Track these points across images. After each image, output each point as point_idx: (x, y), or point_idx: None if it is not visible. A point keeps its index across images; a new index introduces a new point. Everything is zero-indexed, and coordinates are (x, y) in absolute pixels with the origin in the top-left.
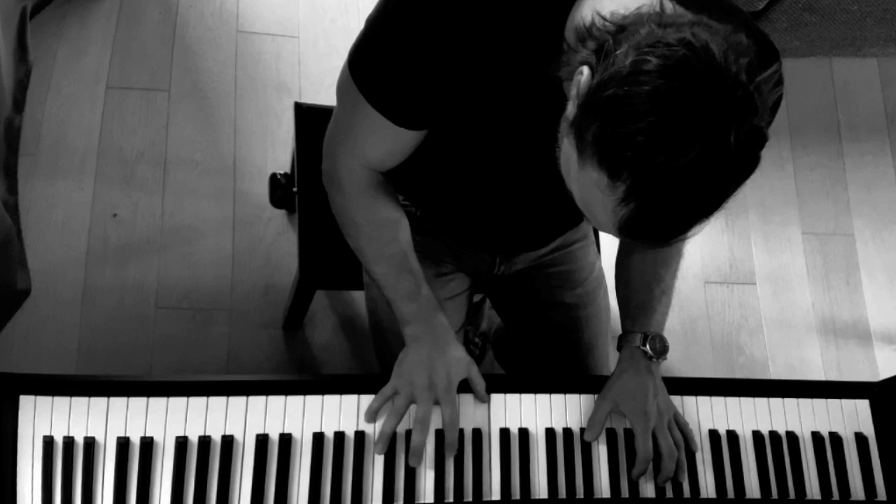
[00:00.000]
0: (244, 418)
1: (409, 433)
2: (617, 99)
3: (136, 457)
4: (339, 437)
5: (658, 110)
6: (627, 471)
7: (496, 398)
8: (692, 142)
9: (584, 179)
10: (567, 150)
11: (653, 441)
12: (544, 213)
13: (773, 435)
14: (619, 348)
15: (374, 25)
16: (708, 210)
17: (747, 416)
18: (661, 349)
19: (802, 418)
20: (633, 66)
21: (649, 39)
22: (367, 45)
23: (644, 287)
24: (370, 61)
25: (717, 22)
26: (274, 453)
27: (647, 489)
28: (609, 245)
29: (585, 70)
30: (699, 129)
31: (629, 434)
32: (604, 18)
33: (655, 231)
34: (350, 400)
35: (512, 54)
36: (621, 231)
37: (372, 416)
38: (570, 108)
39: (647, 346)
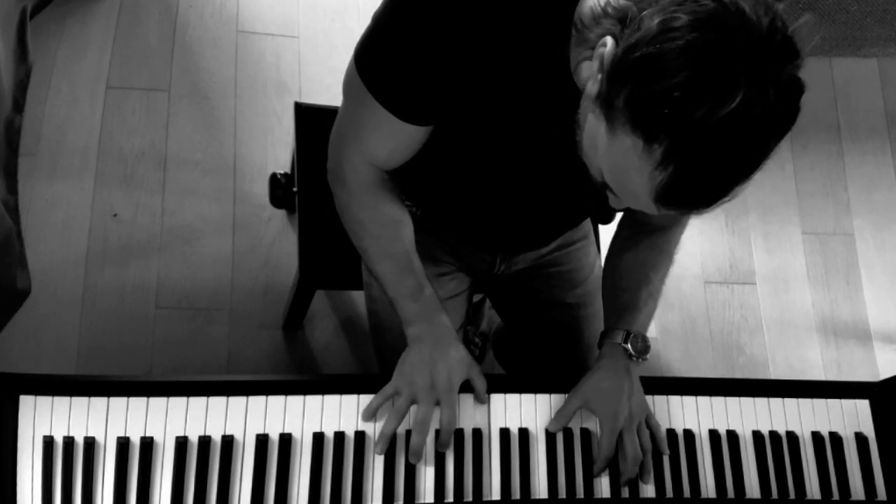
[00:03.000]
0: (244, 418)
1: (409, 433)
2: (648, 58)
3: (136, 457)
4: (339, 437)
5: (693, 63)
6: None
7: (496, 398)
8: (731, 92)
9: (615, 150)
10: (592, 127)
11: (620, 442)
12: (545, 212)
13: (773, 435)
14: (600, 345)
15: (381, 21)
16: (749, 167)
17: (747, 416)
18: (643, 349)
19: (802, 418)
20: (662, 24)
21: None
22: (374, 40)
23: (632, 287)
24: (376, 56)
25: None
26: (274, 453)
27: (648, 489)
28: (609, 245)
29: (609, 40)
30: (738, 79)
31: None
32: None
33: (695, 194)
34: (350, 400)
35: (520, 47)
36: (658, 199)
37: (370, 414)
38: (592, 85)
39: (629, 344)
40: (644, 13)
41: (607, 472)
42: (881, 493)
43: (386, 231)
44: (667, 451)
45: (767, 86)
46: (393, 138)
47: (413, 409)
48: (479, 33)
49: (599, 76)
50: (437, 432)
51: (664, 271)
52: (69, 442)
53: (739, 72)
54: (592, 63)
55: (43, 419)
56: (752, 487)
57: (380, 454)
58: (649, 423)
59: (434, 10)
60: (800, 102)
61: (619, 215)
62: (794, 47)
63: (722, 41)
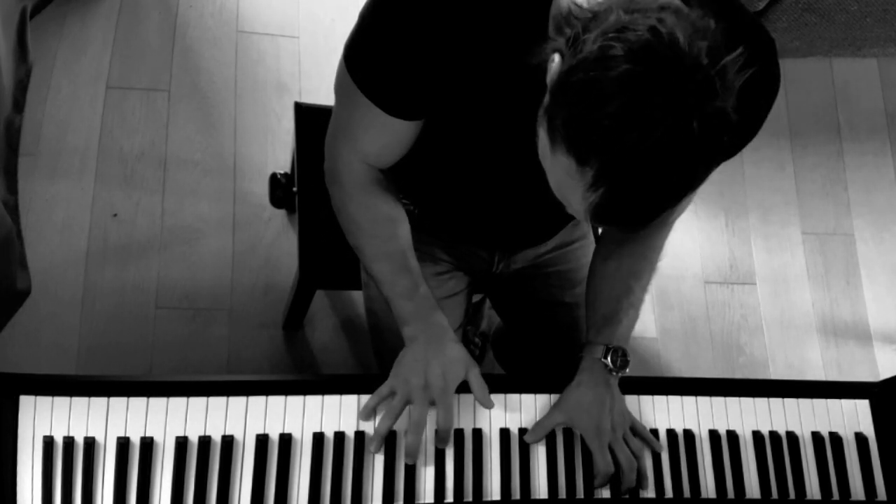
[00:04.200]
0: (244, 418)
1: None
2: (584, 84)
3: (136, 457)
4: (339, 437)
5: (623, 94)
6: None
7: (496, 398)
8: (656, 124)
9: (556, 166)
10: (542, 139)
11: (612, 454)
12: (541, 207)
13: (773, 435)
14: (580, 358)
15: (367, 18)
16: (676, 194)
17: (747, 416)
18: (622, 364)
19: (802, 418)
20: (600, 51)
21: (616, 25)
22: (360, 37)
23: (613, 298)
24: (363, 53)
25: (689, 7)
26: (274, 453)
27: (648, 489)
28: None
29: (556, 57)
30: (662, 112)
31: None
32: (579, 6)
33: (625, 215)
34: (350, 400)
35: (501, 43)
36: (593, 217)
37: (367, 414)
38: (546, 98)
39: (608, 359)
40: (586, 36)
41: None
42: (881, 493)
43: (382, 230)
44: (660, 450)
45: (691, 119)
46: (384, 135)
47: (410, 408)
48: (463, 27)
49: (548, 91)
50: (437, 432)
51: (646, 279)
52: (69, 442)
53: (665, 105)
54: (547, 76)
55: (43, 419)
56: (752, 487)
57: (374, 452)
58: (635, 428)
59: (418, 6)
60: (725, 137)
61: None
62: (714, 86)
63: (650, 74)
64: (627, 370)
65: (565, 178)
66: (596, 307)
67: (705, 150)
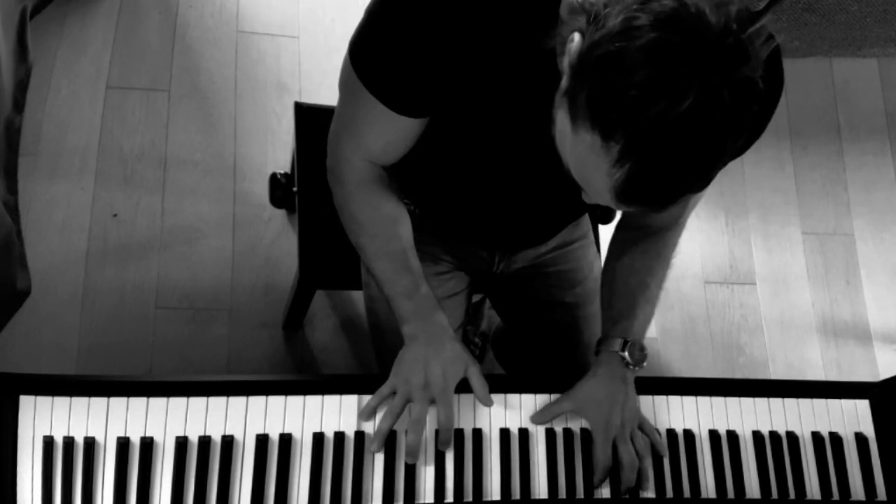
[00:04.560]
0: (244, 418)
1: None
2: (608, 56)
3: (136, 457)
4: (339, 437)
5: (650, 63)
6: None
7: (496, 398)
8: (684, 92)
9: (578, 146)
10: (561, 122)
11: (614, 451)
12: (543, 207)
13: (773, 435)
14: (597, 352)
15: (373, 14)
16: (704, 167)
17: (747, 416)
18: (640, 357)
19: (802, 418)
20: (624, 23)
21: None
22: (366, 33)
23: (629, 293)
24: (369, 49)
25: None
26: (274, 453)
27: (648, 490)
28: (608, 245)
29: (576, 36)
30: (692, 80)
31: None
32: None
33: (652, 193)
34: (350, 400)
35: (510, 37)
36: (618, 196)
37: (368, 414)
38: (564, 80)
39: (626, 353)
40: (608, 10)
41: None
42: (881, 493)
43: (383, 229)
44: (665, 453)
45: (721, 87)
46: (388, 132)
47: (410, 408)
48: (470, 25)
49: (568, 72)
50: (437, 432)
51: (661, 276)
52: (69, 442)
53: (694, 72)
54: (564, 59)
55: (43, 419)
56: (752, 488)
57: (375, 452)
58: (643, 428)
59: (425, 3)
60: (755, 106)
61: (618, 215)
62: (748, 50)
63: (679, 42)
64: (645, 364)
65: (589, 157)
66: (612, 303)
67: (735, 120)
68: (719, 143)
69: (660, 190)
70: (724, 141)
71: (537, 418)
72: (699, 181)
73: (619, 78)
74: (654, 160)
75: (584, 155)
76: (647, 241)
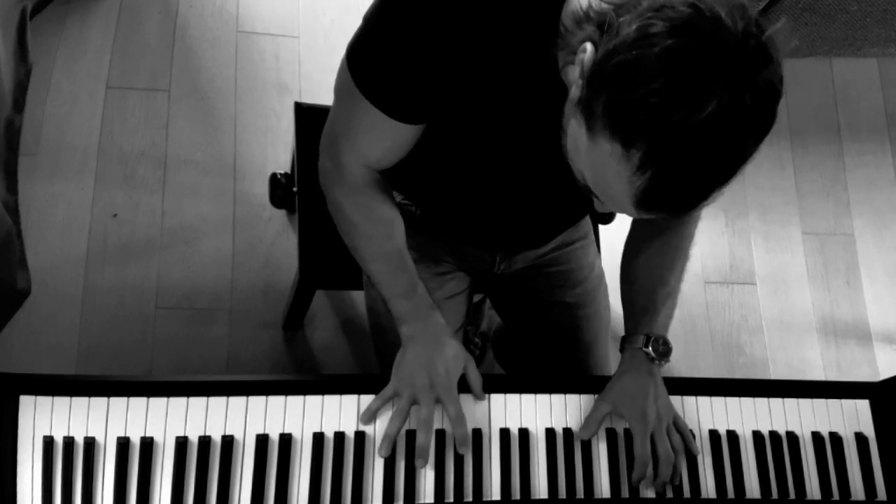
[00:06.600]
0: (244, 418)
1: (409, 433)
2: (626, 64)
3: (136, 457)
4: (339, 437)
5: (670, 70)
6: (628, 471)
7: (496, 398)
8: (707, 98)
9: (595, 155)
10: (574, 131)
11: (651, 445)
12: (542, 210)
13: (773, 435)
14: (622, 350)
15: (371, 21)
16: (727, 171)
17: (747, 416)
18: (664, 351)
19: (802, 418)
20: (640, 30)
21: (653, 6)
22: (365, 40)
23: (649, 289)
24: (367, 56)
25: None
26: (274, 453)
27: (648, 490)
28: (609, 245)
29: (589, 46)
30: (713, 84)
31: (629, 435)
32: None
33: (674, 199)
34: (350, 400)
35: (509, 45)
36: (639, 204)
37: (369, 417)
38: (574, 90)
39: (650, 348)
40: (622, 19)
41: (607, 472)
42: (881, 493)
43: (379, 231)
44: (698, 452)
45: (743, 90)
46: (385, 138)
47: (415, 409)
48: (469, 32)
49: (580, 81)
50: (440, 433)
51: (680, 268)
52: (69, 442)
53: (715, 77)
54: (574, 68)
55: (43, 419)
56: (752, 487)
57: (384, 456)
58: (677, 424)
59: (424, 9)
60: (776, 108)
61: (619, 215)
62: (768, 52)
63: (698, 47)
64: (670, 358)
65: (608, 165)
66: (632, 299)
67: (757, 123)
68: (742, 147)
69: (681, 196)
70: (746, 145)
71: (584, 433)
72: (721, 184)
73: (639, 85)
74: (677, 166)
75: (602, 163)
76: (663, 236)
